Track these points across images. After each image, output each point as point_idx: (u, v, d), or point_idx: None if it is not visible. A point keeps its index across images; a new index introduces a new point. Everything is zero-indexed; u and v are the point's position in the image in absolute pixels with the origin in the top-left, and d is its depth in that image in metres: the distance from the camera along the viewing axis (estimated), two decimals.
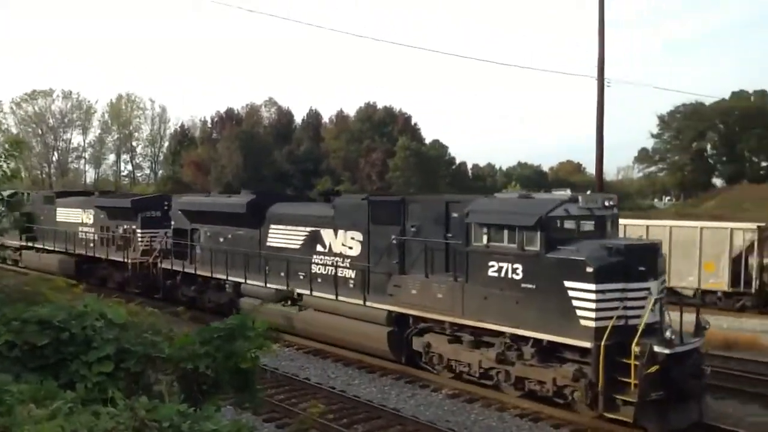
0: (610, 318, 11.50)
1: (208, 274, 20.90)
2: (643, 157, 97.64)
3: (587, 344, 11.56)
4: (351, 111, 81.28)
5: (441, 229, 14.62)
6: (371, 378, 15.13)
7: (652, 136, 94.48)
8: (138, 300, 18.86)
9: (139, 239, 24.75)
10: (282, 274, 18.46)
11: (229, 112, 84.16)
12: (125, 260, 24.62)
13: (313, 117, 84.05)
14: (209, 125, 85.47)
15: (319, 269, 17.53)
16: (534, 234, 12.32)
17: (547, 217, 12.26)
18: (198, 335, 7.09)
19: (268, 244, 19.28)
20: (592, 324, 11.52)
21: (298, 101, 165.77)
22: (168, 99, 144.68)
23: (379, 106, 79.59)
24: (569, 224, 12.60)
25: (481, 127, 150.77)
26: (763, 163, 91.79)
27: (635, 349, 11.20)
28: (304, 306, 17.66)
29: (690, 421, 11.56)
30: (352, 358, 16.31)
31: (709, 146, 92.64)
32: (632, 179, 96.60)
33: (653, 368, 11.08)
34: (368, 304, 15.65)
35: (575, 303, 11.72)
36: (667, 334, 11.27)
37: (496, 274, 12.91)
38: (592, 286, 11.51)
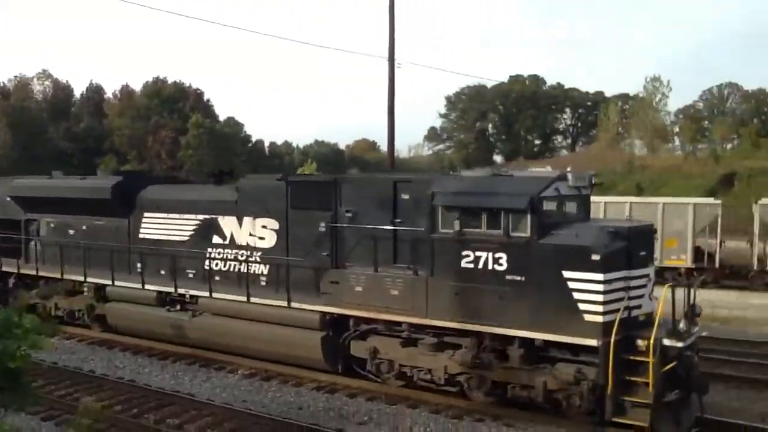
0: (617, 310, 10.12)
1: (57, 275, 16.74)
2: (432, 135, 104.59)
3: (593, 342, 10.08)
4: (137, 86, 74.88)
5: (386, 213, 12.35)
6: (163, 365, 14.60)
7: (440, 116, 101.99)
8: None
9: None
10: (163, 272, 15.11)
11: None
12: None
13: (95, 92, 76.17)
14: None
15: (216, 265, 14.45)
16: (523, 217, 10.55)
17: (539, 197, 10.55)
18: None
19: (141, 236, 15.70)
20: (599, 319, 10.04)
21: (78, 75, 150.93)
22: None
23: (169, 81, 74.16)
24: (559, 206, 11.02)
25: (277, 106, 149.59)
26: (537, 141, 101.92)
27: (644, 344, 9.96)
28: (198, 311, 14.53)
29: (693, 418, 10.59)
30: (143, 346, 15.61)
31: (490, 126, 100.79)
32: (422, 156, 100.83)
33: (670, 365, 9.89)
34: (294, 305, 13.01)
35: (577, 296, 10.17)
36: (682, 325, 10.09)
37: (471, 266, 10.99)
38: (600, 276, 10.02)
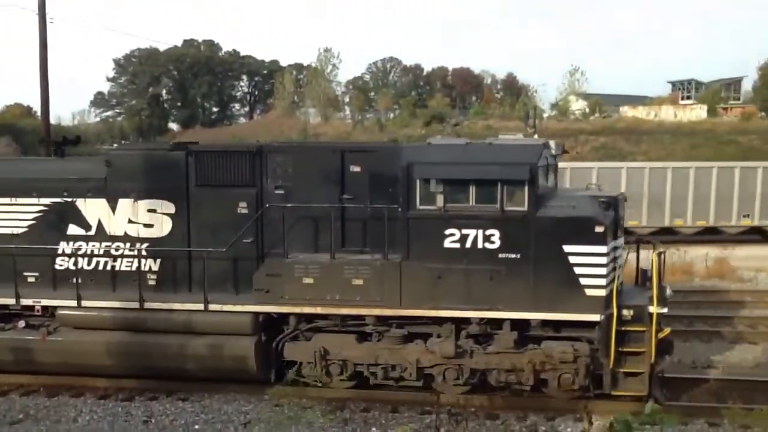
0: (612, 283, 9.87)
1: None
2: (100, 101, 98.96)
3: (596, 317, 9.71)
4: None
5: (333, 189, 10.46)
6: None
7: (109, 80, 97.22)
8: None
9: None
10: None
11: None
12: None
13: None
14: None
15: (73, 264, 10.96)
16: (521, 189, 9.67)
17: (536, 167, 9.72)
18: None
19: None
20: (601, 293, 9.70)
21: None
22: None
23: None
24: (545, 176, 10.31)
25: None
26: (215, 109, 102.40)
27: (629, 313, 9.88)
28: (55, 326, 10.91)
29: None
30: None
31: (164, 91, 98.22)
32: (89, 124, 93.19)
33: (665, 332, 9.96)
34: (214, 307, 10.40)
35: (578, 270, 9.67)
36: (668, 291, 10.20)
37: (457, 245, 9.81)
38: (603, 249, 9.65)
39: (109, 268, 10.96)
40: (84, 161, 11.66)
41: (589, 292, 9.69)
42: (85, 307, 10.69)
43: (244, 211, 10.57)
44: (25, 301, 10.85)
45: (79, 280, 10.88)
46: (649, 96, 78.05)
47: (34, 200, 11.01)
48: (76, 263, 10.99)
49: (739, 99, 79.43)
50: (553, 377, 10.14)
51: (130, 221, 10.85)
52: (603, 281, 9.69)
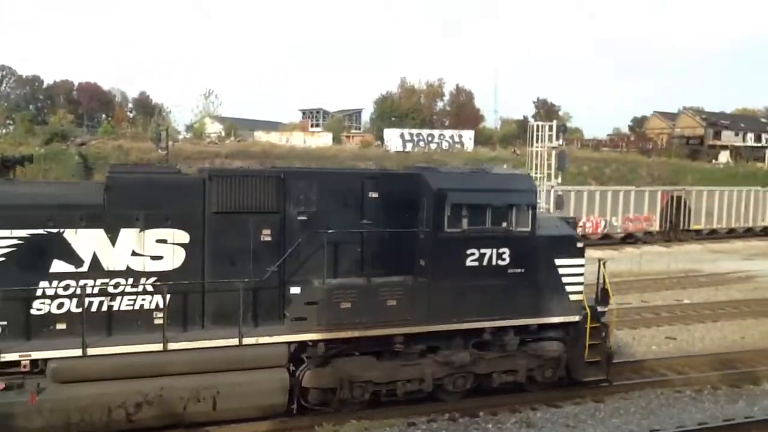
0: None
1: None
2: None
3: (576, 318, 11.74)
4: None
5: (354, 214, 10.73)
6: None
7: None
8: None
9: None
10: None
11: None
12: None
13: None
14: None
15: (57, 308, 9.26)
16: (527, 212, 11.24)
17: (536, 194, 11.39)
18: None
19: None
20: (581, 297, 11.78)
21: None
22: None
23: None
24: None
25: None
26: None
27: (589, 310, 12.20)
28: (54, 379, 9.06)
29: None
30: None
31: None
32: None
33: (613, 325, 12.42)
34: (247, 341, 9.79)
35: (565, 279, 11.62)
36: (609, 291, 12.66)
37: (476, 263, 10.98)
38: (582, 260, 11.75)
39: (105, 308, 9.49)
40: (73, 186, 9.87)
41: (572, 297, 11.68)
42: (92, 356, 9.12)
43: (268, 238, 10.19)
44: (7, 356, 8.80)
45: (60, 325, 9.25)
46: (282, 122, 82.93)
47: (5, 232, 9.02)
48: (60, 306, 9.28)
49: (359, 128, 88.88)
50: (539, 373, 11.86)
51: (134, 253, 9.58)
52: (581, 287, 11.77)
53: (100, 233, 9.42)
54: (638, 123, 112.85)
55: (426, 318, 10.72)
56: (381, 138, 66.67)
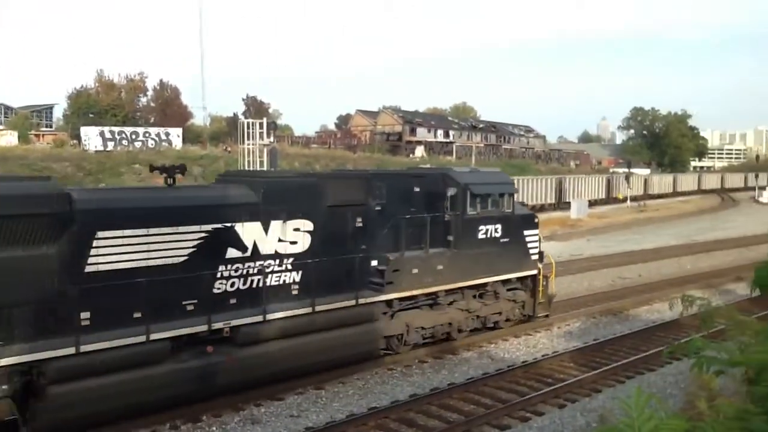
0: None
1: None
2: None
3: (535, 272, 16.70)
4: None
5: (406, 205, 14.40)
6: None
7: None
8: None
9: None
10: (138, 315, 10.65)
11: None
12: None
13: None
14: None
15: (232, 286, 11.68)
16: (511, 199, 15.87)
17: (514, 184, 16.08)
18: None
19: (91, 269, 10.11)
20: (537, 257, 16.75)
21: None
22: None
23: None
24: None
25: None
26: None
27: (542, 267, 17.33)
28: (240, 343, 11.45)
29: None
30: None
31: None
32: None
33: (553, 276, 17.64)
34: (363, 301, 13.05)
35: (529, 246, 16.50)
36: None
37: (484, 236, 15.36)
38: (538, 231, 16.74)
39: (257, 285, 12.04)
40: (234, 188, 11.93)
41: (532, 257, 16.60)
42: (269, 320, 11.72)
43: (360, 224, 13.45)
44: (217, 325, 11.08)
45: (232, 300, 11.69)
46: None
47: (190, 228, 11.14)
48: (228, 286, 11.67)
49: (51, 126, 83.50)
50: (511, 312, 16.61)
51: (279, 240, 12.26)
52: (537, 250, 16.74)
53: (257, 225, 11.94)
54: (344, 120, 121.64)
55: (456, 278, 14.81)
56: (78, 136, 63.24)
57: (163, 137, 61.00)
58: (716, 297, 19.61)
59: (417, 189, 14.73)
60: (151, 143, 59.63)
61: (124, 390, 10.22)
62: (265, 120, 37.05)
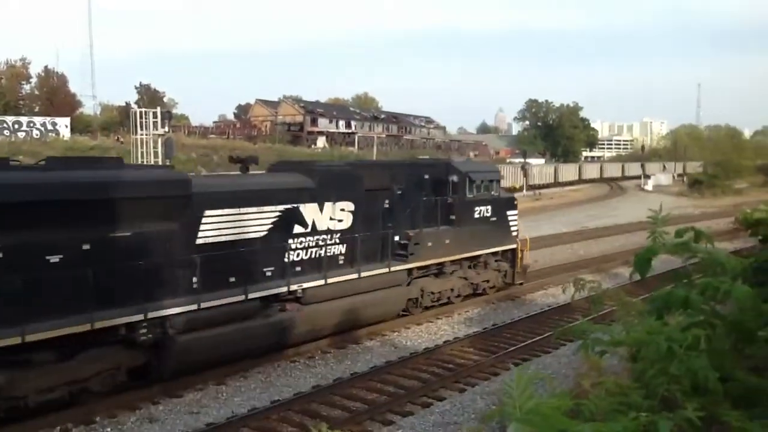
0: None
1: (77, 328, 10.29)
2: None
3: (515, 246, 19.92)
4: None
5: (419, 190, 17.22)
6: None
7: None
8: None
9: None
10: (233, 279, 13.06)
11: None
12: None
13: None
14: None
15: (297, 255, 14.18)
16: (498, 184, 18.99)
17: (499, 171, 19.22)
18: None
19: (201, 242, 12.42)
20: (516, 233, 19.97)
21: None
22: None
23: None
24: None
25: None
26: None
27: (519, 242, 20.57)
28: (305, 302, 13.97)
29: None
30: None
31: None
32: None
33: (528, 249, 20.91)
34: (393, 269, 15.79)
35: (511, 224, 19.69)
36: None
37: (479, 216, 18.40)
38: (517, 211, 19.96)
39: (316, 255, 14.58)
40: (296, 176, 14.30)
41: (513, 234, 19.80)
42: (329, 284, 14.29)
43: (387, 206, 16.17)
44: (293, 287, 13.58)
45: (298, 268, 14.21)
46: None
47: (269, 207, 13.57)
48: (296, 255, 14.17)
49: None
50: (496, 280, 19.77)
51: (330, 218, 14.82)
52: (517, 227, 19.94)
53: (315, 206, 14.46)
54: (243, 110, 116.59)
55: (458, 250, 17.79)
56: None
57: (50, 127, 57.24)
58: (606, 280, 19.91)
59: (426, 176, 17.58)
60: (36, 133, 55.84)
61: (228, 340, 12.58)
62: (159, 109, 35.65)
